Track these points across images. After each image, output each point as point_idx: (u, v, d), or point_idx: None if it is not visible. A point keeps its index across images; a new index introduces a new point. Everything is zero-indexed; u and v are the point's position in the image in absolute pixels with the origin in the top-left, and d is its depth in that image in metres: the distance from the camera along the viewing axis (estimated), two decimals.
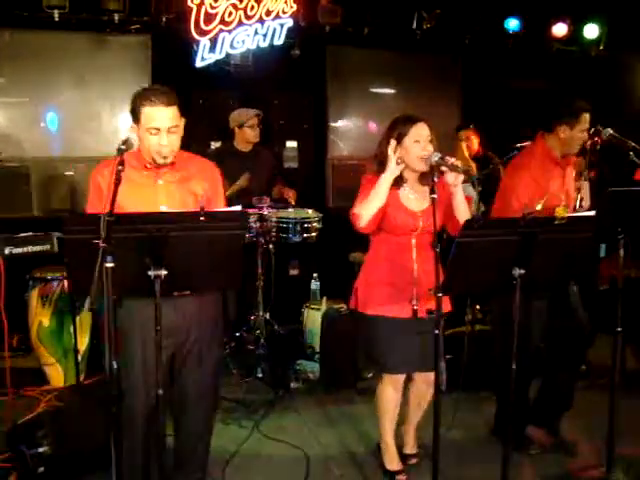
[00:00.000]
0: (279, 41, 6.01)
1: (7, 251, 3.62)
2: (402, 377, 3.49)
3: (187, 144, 5.92)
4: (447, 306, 3.34)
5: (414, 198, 3.36)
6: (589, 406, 4.09)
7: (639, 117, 6.54)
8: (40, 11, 5.57)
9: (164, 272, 2.42)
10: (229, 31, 5.87)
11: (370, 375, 5.05)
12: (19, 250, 3.71)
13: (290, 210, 5.35)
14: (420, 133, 3.21)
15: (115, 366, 2.33)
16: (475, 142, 5.96)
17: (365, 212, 3.22)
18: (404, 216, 3.31)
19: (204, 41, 5.80)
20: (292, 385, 4.84)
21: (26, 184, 6.05)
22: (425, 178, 3.30)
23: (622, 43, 6.97)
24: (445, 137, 7.00)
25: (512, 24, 6.59)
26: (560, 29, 6.74)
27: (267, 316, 5.33)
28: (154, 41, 6.14)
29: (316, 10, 6.14)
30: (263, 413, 4.38)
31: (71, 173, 6.23)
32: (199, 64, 5.85)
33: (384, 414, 3.60)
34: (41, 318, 4.76)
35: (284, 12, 5.98)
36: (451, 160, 3.03)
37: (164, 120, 2.74)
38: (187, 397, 3.08)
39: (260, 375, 4.91)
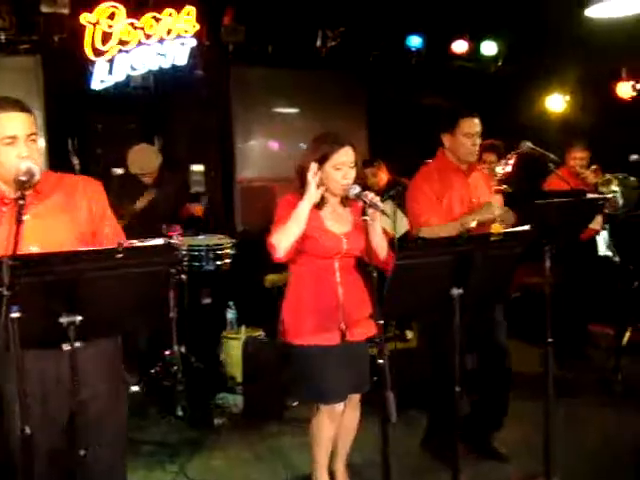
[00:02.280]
0: (182, 62, 5.78)
1: None
2: (339, 407, 3.30)
3: (87, 168, 5.59)
4: (373, 329, 3.20)
5: (336, 220, 3.21)
6: (516, 416, 4.07)
7: (537, 130, 6.78)
8: None
9: (78, 318, 2.14)
10: (127, 51, 5.60)
11: (295, 404, 4.90)
12: None
13: (201, 237, 5.14)
14: (343, 160, 3.06)
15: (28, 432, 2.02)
16: (383, 177, 5.88)
17: (283, 242, 3.04)
18: (328, 239, 3.15)
19: (101, 62, 5.50)
20: (216, 422, 4.56)
21: None
22: (347, 200, 3.18)
23: (520, 59, 7.21)
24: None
25: (414, 41, 6.64)
26: (460, 46, 6.85)
27: (183, 349, 5.05)
28: (46, 62, 5.75)
29: (219, 30, 5.96)
30: (188, 454, 4.08)
31: None
32: (96, 86, 5.54)
33: (319, 446, 3.40)
34: None
35: (186, 32, 5.77)
36: (370, 196, 2.90)
37: (20, 126, 2.34)
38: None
39: (180, 413, 4.60)
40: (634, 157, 4.02)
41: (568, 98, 7.51)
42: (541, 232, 3.27)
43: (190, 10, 5.73)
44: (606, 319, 6.04)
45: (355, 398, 3.36)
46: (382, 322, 2.46)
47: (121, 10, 5.50)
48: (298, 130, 6.82)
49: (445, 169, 3.80)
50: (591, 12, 4.63)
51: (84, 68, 5.50)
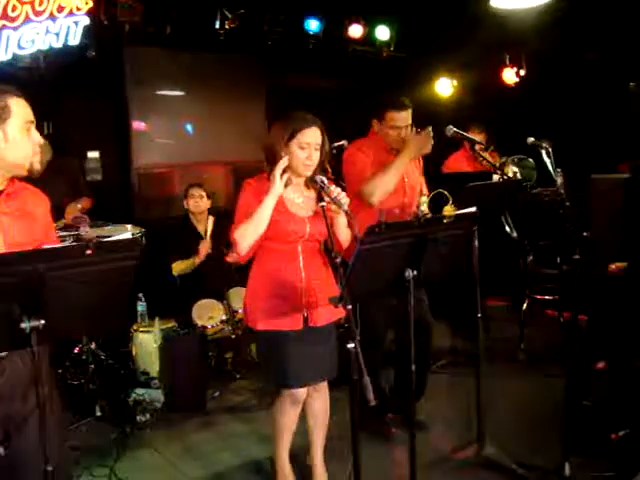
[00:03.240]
0: (75, 41, 5.40)
1: None
2: (302, 392, 3.26)
3: None
4: (338, 314, 3.14)
5: (300, 203, 3.15)
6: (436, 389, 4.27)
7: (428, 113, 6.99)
8: None
9: (41, 322, 1.97)
10: (14, 28, 5.15)
11: (217, 394, 4.82)
12: None
13: (108, 227, 4.88)
14: (309, 140, 3.02)
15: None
16: None
17: (247, 240, 2.97)
18: (291, 223, 3.09)
19: None
20: (139, 418, 4.37)
21: None
22: (312, 183, 3.13)
23: (411, 44, 7.38)
24: (254, 137, 6.97)
25: (312, 25, 6.61)
26: (356, 30, 6.91)
27: (92, 346, 4.80)
28: None
29: (114, 8, 5.62)
30: (115, 456, 3.89)
31: None
32: None
33: (281, 431, 3.38)
34: None
35: (78, 9, 5.39)
36: (335, 192, 2.88)
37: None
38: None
39: (99, 414, 4.38)
40: (531, 140, 4.23)
41: (455, 82, 7.82)
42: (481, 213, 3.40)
43: None
44: (500, 292, 6.42)
45: (323, 385, 3.35)
46: (350, 307, 2.44)
47: None
48: (197, 113, 6.63)
49: (378, 147, 3.88)
50: (496, 2, 4.82)
51: None
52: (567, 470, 3.43)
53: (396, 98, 3.94)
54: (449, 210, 3.05)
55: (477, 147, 5.86)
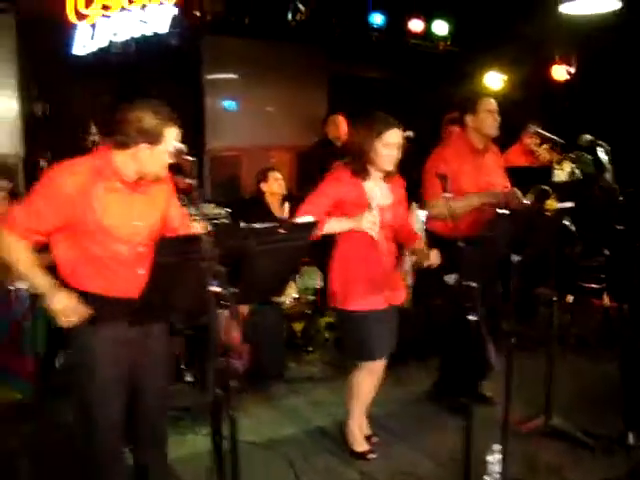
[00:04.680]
0: (163, 29, 5.74)
1: None
2: (381, 364, 3.65)
3: (64, 136, 5.56)
4: (404, 294, 3.67)
5: (379, 192, 3.49)
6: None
7: None
8: None
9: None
10: (110, 16, 5.51)
11: (293, 364, 5.18)
12: None
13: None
14: (393, 141, 3.36)
15: None
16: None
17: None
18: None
19: (83, 27, 5.39)
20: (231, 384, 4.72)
21: None
22: (388, 177, 3.50)
23: (465, 39, 7.68)
24: (314, 122, 7.30)
25: (377, 19, 6.93)
26: (416, 25, 7.22)
27: None
28: (25, 24, 5.54)
29: None
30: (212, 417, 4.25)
31: None
32: (78, 51, 5.43)
33: (358, 400, 3.74)
34: None
35: None
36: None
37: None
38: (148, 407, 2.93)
39: (189, 379, 4.74)
40: (588, 137, 4.50)
41: (505, 77, 8.10)
42: None
43: None
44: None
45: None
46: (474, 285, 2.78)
47: None
48: (265, 100, 6.97)
49: (461, 150, 4.13)
50: (565, 8, 5.11)
51: (64, 32, 5.36)
52: (631, 439, 3.78)
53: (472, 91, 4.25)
54: (551, 204, 3.36)
55: (533, 141, 6.20)
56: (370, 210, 3.27)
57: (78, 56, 5.45)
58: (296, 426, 4.24)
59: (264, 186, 5.64)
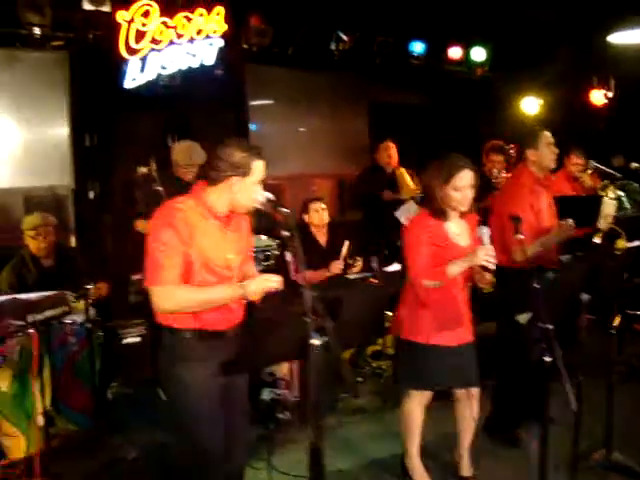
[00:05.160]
0: (210, 61, 5.84)
1: (30, 319, 3.13)
2: (428, 395, 3.66)
3: (113, 167, 5.60)
4: (473, 333, 3.61)
5: (459, 233, 3.53)
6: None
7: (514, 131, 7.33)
8: None
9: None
10: (159, 50, 5.60)
11: (346, 395, 5.16)
12: (39, 317, 3.22)
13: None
14: (463, 184, 3.37)
15: None
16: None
17: (429, 284, 3.35)
18: (454, 253, 3.44)
19: (134, 60, 5.48)
20: (280, 416, 4.74)
21: None
22: (463, 213, 3.52)
23: (502, 65, 7.71)
24: (358, 151, 7.36)
25: (417, 47, 6.99)
26: (455, 52, 7.28)
27: None
28: (75, 59, 5.67)
29: (240, 29, 6.05)
30: (267, 450, 4.15)
31: None
32: (129, 85, 5.51)
33: (409, 431, 3.74)
34: None
35: (215, 32, 5.82)
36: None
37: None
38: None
39: None
40: (635, 165, 4.49)
41: (542, 101, 8.12)
42: None
43: (220, 10, 5.79)
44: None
45: (471, 392, 3.68)
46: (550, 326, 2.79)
47: (155, 8, 5.49)
48: (306, 128, 7.03)
49: (532, 184, 4.13)
50: (614, 39, 5.15)
51: (115, 66, 5.46)
52: None
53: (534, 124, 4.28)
54: (621, 244, 3.38)
55: (577, 168, 6.18)
56: (483, 245, 3.27)
57: (127, 89, 5.53)
58: (350, 459, 4.21)
59: (306, 217, 5.66)
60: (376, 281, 2.33)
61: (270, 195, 2.71)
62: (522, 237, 3.13)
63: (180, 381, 2.77)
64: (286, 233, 2.43)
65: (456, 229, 3.52)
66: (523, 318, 2.88)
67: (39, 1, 5.03)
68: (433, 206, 3.45)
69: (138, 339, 5.05)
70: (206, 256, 2.75)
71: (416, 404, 3.67)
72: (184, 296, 2.72)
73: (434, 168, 3.49)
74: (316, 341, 2.20)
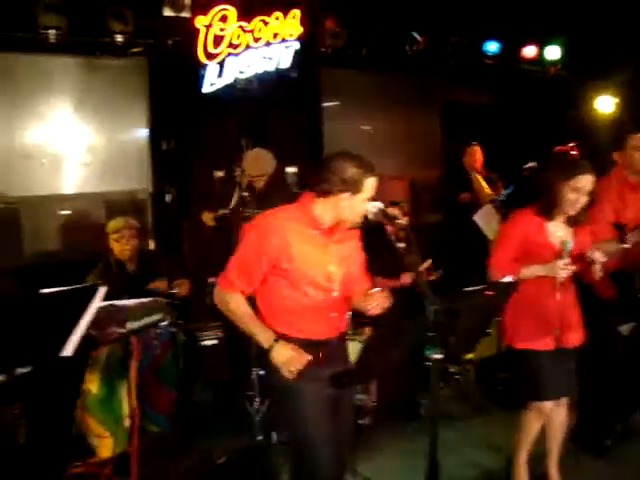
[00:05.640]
0: (286, 65, 5.86)
1: (129, 326, 3.17)
2: (548, 405, 3.56)
3: (190, 171, 5.58)
4: (582, 337, 3.51)
5: (561, 236, 3.42)
6: None
7: (587, 130, 7.15)
8: (34, 32, 5.03)
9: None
10: (237, 54, 5.63)
11: (424, 400, 5.08)
12: (137, 324, 3.27)
13: None
14: (582, 186, 3.31)
15: None
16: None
17: (506, 274, 3.17)
18: (546, 254, 3.37)
19: (212, 65, 5.52)
20: (360, 421, 4.70)
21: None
22: (571, 221, 3.43)
23: (576, 63, 7.53)
24: (430, 152, 7.28)
25: (492, 47, 6.88)
26: (530, 51, 7.14)
27: None
28: (155, 64, 5.76)
29: (314, 32, 6.04)
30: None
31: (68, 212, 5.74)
32: (207, 89, 5.57)
33: (523, 441, 3.68)
34: (88, 385, 4.16)
35: (291, 35, 5.83)
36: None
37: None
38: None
39: None
40: None
41: (617, 100, 7.89)
42: None
43: (295, 13, 5.80)
44: None
45: (565, 401, 3.64)
46: None
47: (232, 12, 5.52)
48: (379, 129, 6.99)
49: (622, 185, 4.04)
50: None
51: (193, 71, 5.52)
52: None
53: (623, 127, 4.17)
54: None
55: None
56: (563, 257, 3.22)
57: (205, 93, 5.58)
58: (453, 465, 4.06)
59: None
60: (491, 293, 2.26)
61: (381, 205, 2.66)
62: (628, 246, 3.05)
63: (286, 386, 2.74)
64: (401, 245, 2.38)
65: (557, 231, 3.44)
66: (626, 329, 2.78)
67: (123, 9, 5.11)
68: (542, 202, 3.40)
69: (215, 341, 5.09)
70: (306, 267, 2.72)
71: (534, 414, 3.61)
72: (233, 310, 2.77)
73: (558, 164, 3.49)
74: (437, 355, 2.15)
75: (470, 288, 2.25)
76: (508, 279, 2.59)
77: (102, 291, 2.46)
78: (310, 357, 2.67)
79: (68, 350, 2.50)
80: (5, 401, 3.97)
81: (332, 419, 2.79)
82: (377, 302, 2.68)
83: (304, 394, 2.72)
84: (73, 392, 3.37)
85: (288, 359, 2.66)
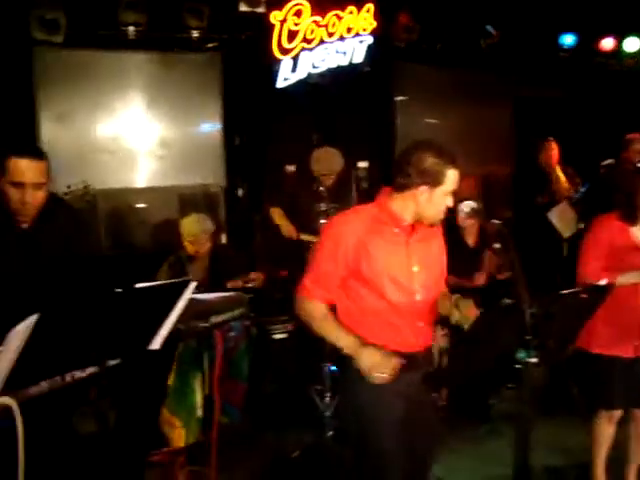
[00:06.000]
0: (359, 59, 5.83)
1: (212, 320, 3.19)
2: (618, 413, 3.47)
3: (262, 166, 5.49)
4: None
5: None
6: None
7: None
8: (115, 29, 5.14)
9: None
10: (310, 49, 5.64)
11: (494, 402, 5.01)
12: (221, 318, 3.29)
13: None
14: None
15: None
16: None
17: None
18: (636, 260, 3.28)
19: (286, 60, 5.54)
20: None
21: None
22: None
23: None
24: (503, 148, 7.13)
25: (568, 40, 6.72)
26: (607, 43, 6.93)
27: None
28: (228, 59, 5.84)
29: (386, 26, 6.00)
30: None
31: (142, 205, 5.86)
32: (280, 84, 5.59)
33: (597, 446, 3.59)
34: None
35: (364, 30, 5.80)
36: None
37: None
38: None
39: None
40: None
41: None
42: None
43: (369, 7, 5.77)
44: None
45: None
46: None
47: (306, 7, 5.54)
48: (451, 125, 6.91)
49: None
50: None
51: (266, 66, 5.55)
52: None
53: None
54: None
55: None
56: None
57: (277, 88, 5.61)
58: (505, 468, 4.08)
59: (456, 219, 5.53)
60: (586, 296, 2.20)
61: (475, 205, 2.54)
62: None
63: (363, 395, 2.59)
64: (497, 245, 2.30)
65: None
66: None
67: (200, 5, 5.18)
68: (627, 206, 3.29)
69: (285, 335, 5.10)
70: (387, 268, 2.54)
71: (604, 421, 3.52)
72: (313, 317, 2.61)
73: (636, 177, 3.35)
74: (533, 359, 2.10)
75: (565, 291, 2.18)
76: (603, 282, 2.49)
77: (192, 286, 2.47)
78: (402, 360, 2.46)
79: (156, 343, 2.53)
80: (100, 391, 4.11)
81: (408, 433, 2.61)
82: (466, 312, 2.49)
83: (382, 405, 2.55)
84: (161, 384, 3.41)
85: (376, 363, 2.46)
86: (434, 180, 2.46)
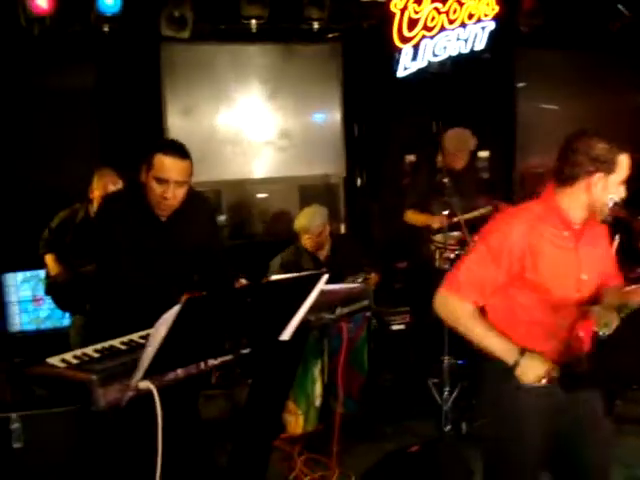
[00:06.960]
0: (480, 46, 5.67)
1: (338, 312, 3.18)
2: None
3: (381, 156, 4.87)
4: None
5: None
6: None
7: None
8: (237, 23, 5.25)
9: None
10: (431, 37, 5.54)
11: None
12: (347, 309, 3.29)
13: None
14: None
15: None
16: None
17: None
18: None
19: (407, 49, 5.47)
20: None
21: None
22: None
23: None
24: (633, 138, 6.72)
25: None
26: None
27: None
28: (349, 49, 5.84)
29: (509, 10, 5.79)
30: None
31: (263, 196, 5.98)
32: (401, 73, 5.52)
33: None
34: None
35: (486, 15, 5.63)
36: None
37: None
38: None
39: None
40: None
41: None
42: None
43: None
44: None
45: None
46: None
47: None
48: (576, 112, 6.60)
49: None
50: None
51: (386, 55, 5.50)
52: None
53: None
54: None
55: None
56: None
57: (398, 78, 5.54)
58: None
59: None
60: None
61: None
62: None
63: (511, 402, 2.46)
64: None
65: None
66: None
67: None
68: None
69: (403, 326, 5.06)
70: (556, 276, 2.37)
71: None
72: (459, 314, 2.41)
73: None
74: None
75: None
76: None
77: (325, 278, 2.49)
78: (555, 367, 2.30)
79: (287, 334, 2.58)
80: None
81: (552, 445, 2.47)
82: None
83: (531, 417, 2.42)
84: (290, 373, 3.48)
85: (542, 374, 2.30)
86: (607, 167, 2.31)
